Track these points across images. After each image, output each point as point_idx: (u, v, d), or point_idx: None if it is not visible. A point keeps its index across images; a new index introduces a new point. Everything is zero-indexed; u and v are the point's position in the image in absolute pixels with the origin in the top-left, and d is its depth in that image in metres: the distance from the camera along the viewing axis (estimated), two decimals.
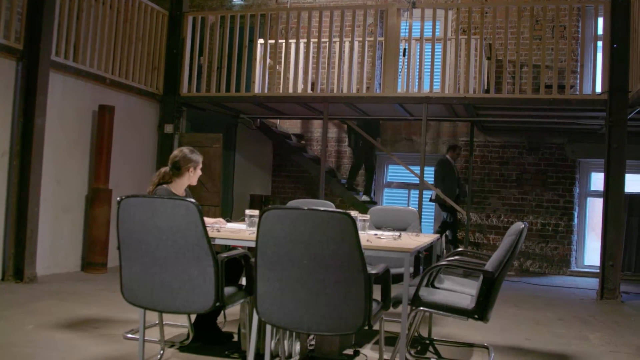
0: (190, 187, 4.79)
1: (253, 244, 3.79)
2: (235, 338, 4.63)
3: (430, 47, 8.26)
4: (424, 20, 8.23)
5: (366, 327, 3.19)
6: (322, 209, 3.17)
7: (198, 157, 4.70)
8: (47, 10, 6.91)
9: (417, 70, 8.33)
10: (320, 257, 3.11)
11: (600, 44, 7.96)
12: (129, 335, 4.66)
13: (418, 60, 8.32)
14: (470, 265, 4.26)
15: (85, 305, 5.73)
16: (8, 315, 5.18)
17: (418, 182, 8.74)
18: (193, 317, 4.59)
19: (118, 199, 3.56)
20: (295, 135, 11.25)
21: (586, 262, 10.31)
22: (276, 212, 3.18)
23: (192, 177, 4.67)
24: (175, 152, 4.68)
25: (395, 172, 11.37)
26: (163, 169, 4.64)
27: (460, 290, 4.33)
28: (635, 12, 7.39)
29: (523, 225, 3.77)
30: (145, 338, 3.93)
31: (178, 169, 4.57)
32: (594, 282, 8.75)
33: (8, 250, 6.74)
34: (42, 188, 6.98)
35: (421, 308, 3.82)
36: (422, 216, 8.59)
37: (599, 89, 7.85)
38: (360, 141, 10.20)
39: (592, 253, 10.23)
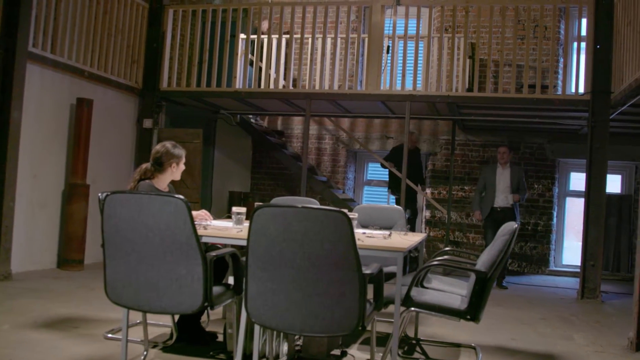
0: (172, 182, 4.68)
1: (240, 242, 3.72)
2: (220, 338, 4.53)
3: (414, 45, 8.21)
4: (408, 17, 8.19)
5: (360, 328, 3.12)
6: (316, 207, 3.09)
7: (181, 152, 4.59)
8: (24, 0, 6.73)
9: (401, 68, 8.27)
10: (314, 257, 3.03)
11: (583, 44, 7.97)
12: (110, 335, 4.54)
13: (401, 58, 8.27)
14: (462, 265, 4.20)
15: (63, 303, 5.58)
16: None
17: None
18: (176, 316, 4.48)
19: (101, 195, 3.45)
20: (275, 131, 11.15)
21: (564, 262, 10.38)
22: (269, 210, 3.09)
23: (175, 172, 4.55)
24: (157, 146, 4.56)
25: (374, 170, 11.32)
26: (144, 165, 4.52)
27: (449, 290, 4.28)
28: (619, 13, 7.42)
29: (516, 225, 3.73)
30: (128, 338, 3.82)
31: (160, 165, 4.46)
32: (573, 282, 8.81)
33: None
34: (18, 183, 6.80)
35: (413, 308, 3.76)
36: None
37: (581, 89, 7.87)
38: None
39: (570, 252, 10.30)
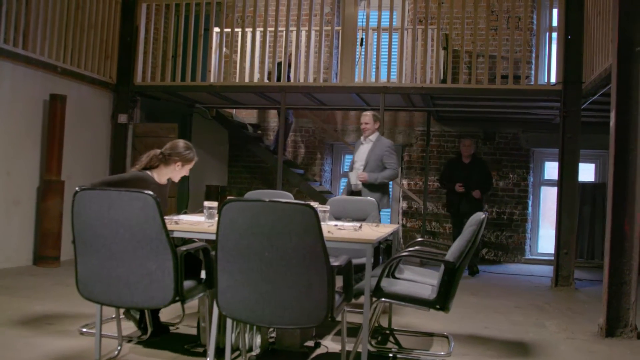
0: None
1: (212, 237, 3.74)
2: (176, 329, 4.57)
3: (388, 36, 8.24)
4: (381, 9, 8.22)
5: (329, 319, 3.16)
6: (283, 200, 3.12)
7: (191, 156, 4.62)
8: None
9: (375, 60, 8.31)
10: (282, 250, 3.06)
11: (555, 35, 8.06)
12: (85, 330, 4.54)
13: (375, 50, 8.30)
14: (431, 255, 4.26)
15: (38, 300, 5.57)
16: None
17: None
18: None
19: (78, 189, 3.46)
20: (251, 125, 11.14)
21: (540, 250, 10.49)
22: (237, 204, 3.12)
23: (177, 172, 4.61)
24: (174, 141, 4.63)
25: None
26: (156, 151, 4.56)
27: (420, 281, 4.34)
28: (589, 3, 7.50)
29: (483, 216, 3.79)
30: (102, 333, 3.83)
31: (168, 156, 4.52)
32: (548, 270, 8.90)
33: None
34: None
35: (383, 299, 3.80)
36: None
37: (553, 79, 7.96)
38: None
39: (545, 241, 10.41)
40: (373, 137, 6.98)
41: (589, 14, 7.51)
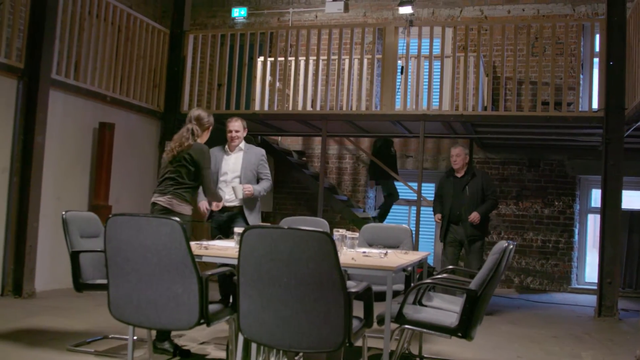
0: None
1: None
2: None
3: (428, 64, 8.31)
4: (421, 38, 8.31)
5: (347, 345, 3.22)
6: (302, 228, 3.21)
7: (212, 119, 5.26)
8: (47, 29, 7.03)
9: (415, 87, 8.38)
10: (300, 276, 3.15)
11: (596, 61, 7.98)
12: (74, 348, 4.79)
13: (416, 77, 8.38)
14: (457, 283, 4.27)
15: (79, 321, 5.79)
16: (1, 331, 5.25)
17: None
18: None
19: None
20: (296, 152, 11.30)
21: (587, 279, 10.28)
22: (257, 231, 3.23)
23: (206, 135, 5.24)
24: (196, 111, 5.22)
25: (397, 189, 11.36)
26: (191, 127, 4.99)
27: (447, 308, 4.34)
28: (631, 29, 7.44)
29: (506, 244, 3.79)
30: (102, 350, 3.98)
31: (202, 124, 5.11)
32: (594, 299, 8.73)
33: (7, 265, 6.84)
34: (43, 204, 7.07)
35: (405, 326, 3.84)
36: (421, 232, 8.61)
37: (596, 105, 7.87)
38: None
39: (592, 269, 10.17)
40: (242, 145, 6.04)
41: (630, 40, 7.44)
